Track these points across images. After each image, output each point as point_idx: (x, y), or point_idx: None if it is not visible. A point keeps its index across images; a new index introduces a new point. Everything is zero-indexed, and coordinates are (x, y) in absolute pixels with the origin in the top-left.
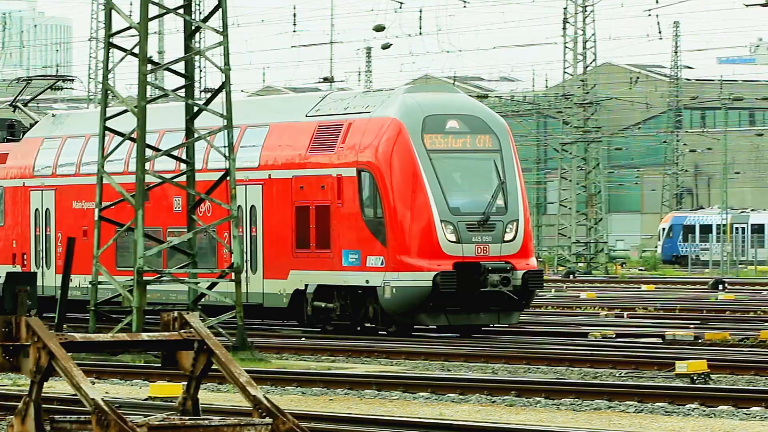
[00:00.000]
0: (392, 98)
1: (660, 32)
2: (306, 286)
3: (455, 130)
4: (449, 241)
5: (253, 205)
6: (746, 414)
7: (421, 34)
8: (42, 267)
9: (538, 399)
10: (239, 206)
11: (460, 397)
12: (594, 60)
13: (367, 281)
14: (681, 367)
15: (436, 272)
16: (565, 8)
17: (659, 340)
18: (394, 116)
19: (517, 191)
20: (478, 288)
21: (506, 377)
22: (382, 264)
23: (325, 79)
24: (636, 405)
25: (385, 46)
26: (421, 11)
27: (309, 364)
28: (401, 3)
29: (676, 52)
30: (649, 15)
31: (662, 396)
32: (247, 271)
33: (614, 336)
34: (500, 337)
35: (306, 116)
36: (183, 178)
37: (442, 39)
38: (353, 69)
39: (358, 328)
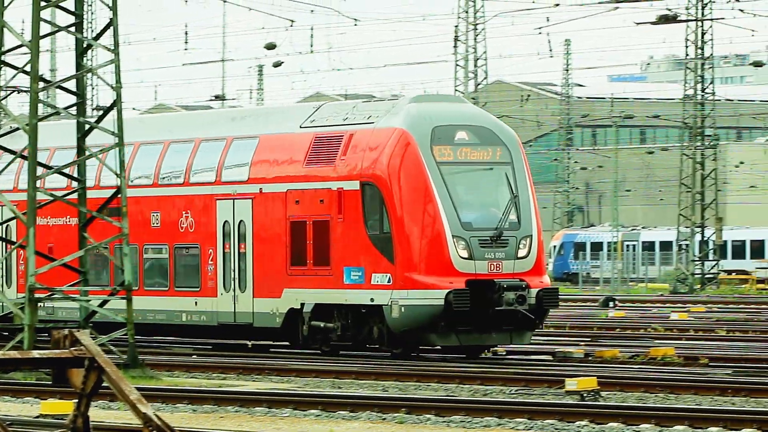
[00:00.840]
0: (397, 108)
1: (551, 50)
2: (302, 305)
3: (465, 142)
4: (461, 257)
5: (241, 221)
6: (635, 430)
7: (312, 52)
8: None
9: (428, 416)
10: (225, 221)
11: (351, 414)
12: (485, 78)
13: (372, 300)
14: (571, 384)
15: (448, 290)
16: (456, 26)
17: (550, 358)
18: (401, 126)
19: (530, 205)
20: (493, 307)
21: (397, 395)
22: (389, 281)
23: (217, 97)
24: (526, 422)
25: (277, 64)
26: (312, 29)
27: (200, 381)
28: (292, 21)
29: (567, 70)
30: (540, 33)
31: (552, 413)
32: (235, 290)
33: (505, 353)
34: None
35: (300, 127)
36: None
37: (333, 57)
38: (245, 87)
39: (363, 347)
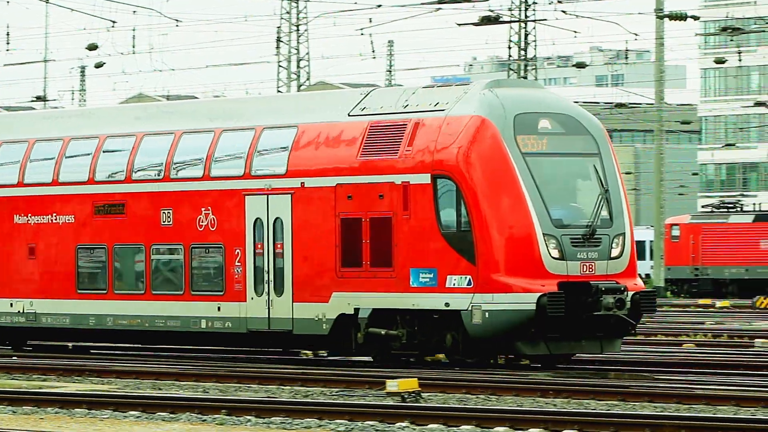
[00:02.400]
0: (471, 94)
1: (373, 51)
2: (356, 310)
3: (548, 131)
4: (552, 257)
5: (277, 218)
6: None
7: (134, 52)
8: None
9: (248, 417)
10: (256, 219)
11: (171, 415)
12: (308, 79)
13: (447, 304)
14: (392, 385)
15: (540, 293)
16: (278, 27)
17: (370, 359)
18: (480, 114)
19: (621, 200)
20: (590, 311)
21: (217, 396)
22: (469, 284)
23: (38, 98)
24: (346, 423)
25: (99, 65)
26: (134, 30)
27: (20, 383)
28: (114, 22)
29: (389, 71)
30: (362, 34)
31: (373, 414)
32: (269, 294)
33: (326, 354)
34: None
35: (349, 115)
36: None
37: (155, 58)
38: (67, 88)
39: (428, 356)
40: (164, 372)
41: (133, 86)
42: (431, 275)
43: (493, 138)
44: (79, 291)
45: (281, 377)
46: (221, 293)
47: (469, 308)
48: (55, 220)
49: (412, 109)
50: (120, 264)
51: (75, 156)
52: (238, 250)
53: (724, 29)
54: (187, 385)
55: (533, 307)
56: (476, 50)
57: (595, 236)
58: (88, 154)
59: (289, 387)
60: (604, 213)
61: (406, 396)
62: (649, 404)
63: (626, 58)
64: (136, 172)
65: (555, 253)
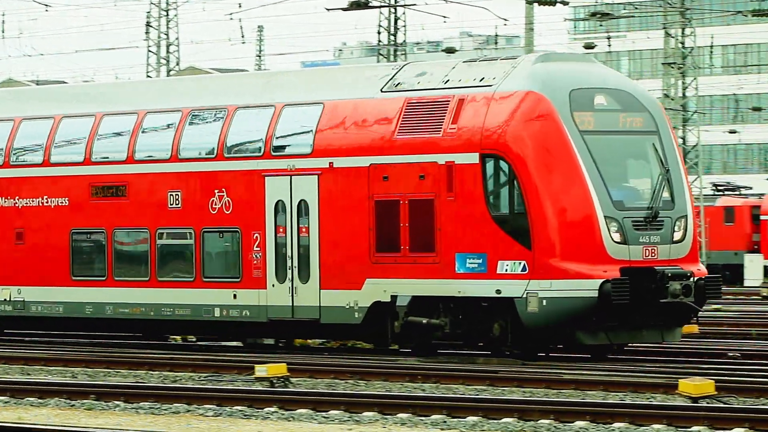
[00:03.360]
0: (522, 69)
1: (243, 36)
2: (393, 297)
3: (605, 108)
4: (614, 241)
5: (302, 200)
6: (325, 417)
7: (3, 37)
8: None
9: (117, 402)
10: (278, 201)
11: (39, 401)
12: (177, 64)
13: (498, 291)
14: (261, 371)
15: (603, 279)
16: (147, 12)
17: (240, 344)
18: (533, 89)
19: (682, 181)
20: (656, 298)
21: (85, 381)
22: (523, 270)
23: None
24: (215, 408)
25: None
26: (2, 15)
27: None
28: None
29: (259, 56)
30: (231, 19)
31: (241, 399)
32: (293, 280)
33: (196, 340)
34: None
35: (382, 91)
36: None
37: (24, 43)
38: None
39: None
40: (33, 357)
41: (2, 71)
42: (480, 261)
43: (549, 115)
44: (75, 278)
45: (150, 362)
46: (237, 280)
47: (524, 295)
48: (47, 202)
49: (454, 84)
50: (121, 249)
51: (69, 135)
52: (256, 235)
53: (594, 14)
54: (56, 370)
55: (595, 294)
56: (346, 35)
57: (658, 219)
58: (84, 134)
59: (158, 372)
60: (666, 194)
61: (275, 381)
62: (517, 389)
63: (496, 43)
64: (138, 152)
65: (617, 237)
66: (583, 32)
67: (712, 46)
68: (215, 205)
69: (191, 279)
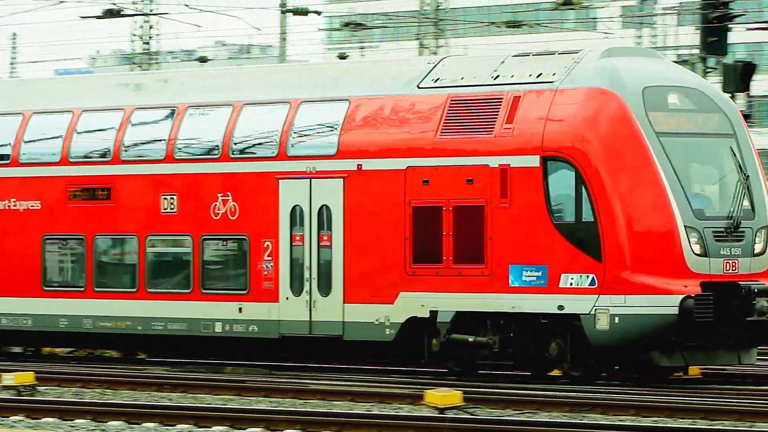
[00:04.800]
0: (586, 64)
1: None
2: (433, 313)
3: (678, 108)
4: (695, 254)
5: (324, 205)
6: (72, 426)
7: None
8: None
9: None
10: (294, 207)
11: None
12: None
13: (560, 307)
14: (8, 379)
15: (684, 295)
16: None
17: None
18: (602, 86)
19: (762, 188)
20: (743, 316)
21: None
22: (592, 284)
23: None
24: None
25: None
26: None
27: None
28: None
29: (12, 64)
30: None
31: None
32: (311, 293)
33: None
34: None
35: (419, 87)
36: None
37: None
38: None
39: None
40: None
41: None
42: (539, 273)
43: (623, 114)
44: (46, 288)
45: None
46: (244, 292)
47: (593, 312)
48: (15, 206)
49: (506, 80)
50: (103, 257)
51: (41, 132)
52: (268, 243)
53: (347, 24)
54: None
55: (675, 311)
56: (100, 43)
57: (739, 230)
58: (60, 131)
59: None
60: (746, 203)
61: (21, 390)
62: (265, 399)
63: (248, 52)
64: (126, 151)
65: (697, 249)
66: (336, 42)
67: None
68: (218, 210)
69: (188, 291)
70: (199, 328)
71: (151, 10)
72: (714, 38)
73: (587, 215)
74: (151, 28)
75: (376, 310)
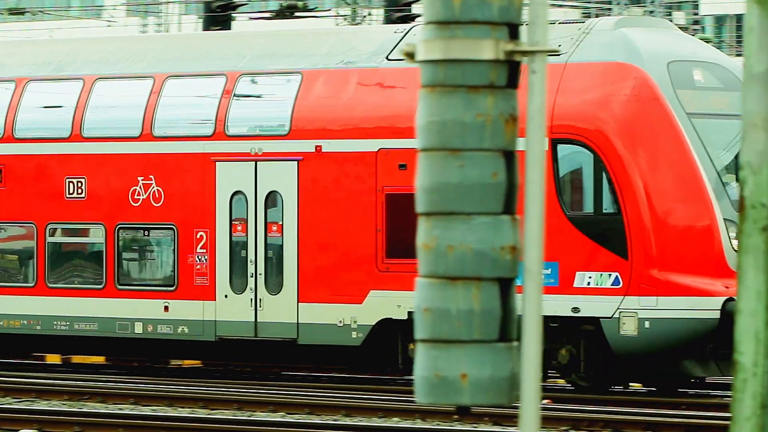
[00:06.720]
0: (597, 34)
1: None
2: (411, 314)
3: (704, 85)
4: (735, 250)
5: (273, 192)
6: None
7: None
8: None
9: None
10: (235, 193)
11: None
12: None
13: (575, 309)
14: None
15: (726, 297)
16: None
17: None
18: (621, 60)
19: None
20: None
21: None
22: (615, 283)
23: None
24: None
25: None
26: None
27: None
28: None
29: None
30: None
31: None
32: (256, 290)
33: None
34: None
35: (388, 59)
36: None
37: None
38: None
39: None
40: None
41: None
42: (548, 271)
43: (648, 92)
44: None
45: None
46: (171, 289)
47: (617, 315)
48: None
49: None
50: None
51: None
52: (201, 233)
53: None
54: None
55: (717, 314)
56: None
57: None
58: None
59: None
60: None
61: None
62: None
63: None
64: (21, 129)
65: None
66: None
67: None
68: (138, 195)
69: (99, 287)
70: (113, 329)
71: None
72: (218, 27)
73: (609, 206)
74: None
75: (340, 311)
